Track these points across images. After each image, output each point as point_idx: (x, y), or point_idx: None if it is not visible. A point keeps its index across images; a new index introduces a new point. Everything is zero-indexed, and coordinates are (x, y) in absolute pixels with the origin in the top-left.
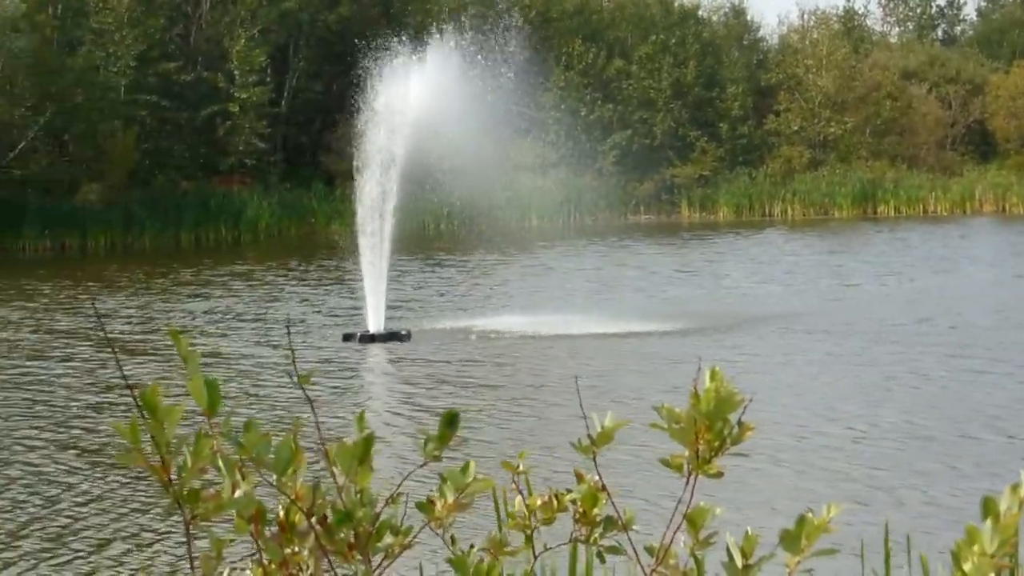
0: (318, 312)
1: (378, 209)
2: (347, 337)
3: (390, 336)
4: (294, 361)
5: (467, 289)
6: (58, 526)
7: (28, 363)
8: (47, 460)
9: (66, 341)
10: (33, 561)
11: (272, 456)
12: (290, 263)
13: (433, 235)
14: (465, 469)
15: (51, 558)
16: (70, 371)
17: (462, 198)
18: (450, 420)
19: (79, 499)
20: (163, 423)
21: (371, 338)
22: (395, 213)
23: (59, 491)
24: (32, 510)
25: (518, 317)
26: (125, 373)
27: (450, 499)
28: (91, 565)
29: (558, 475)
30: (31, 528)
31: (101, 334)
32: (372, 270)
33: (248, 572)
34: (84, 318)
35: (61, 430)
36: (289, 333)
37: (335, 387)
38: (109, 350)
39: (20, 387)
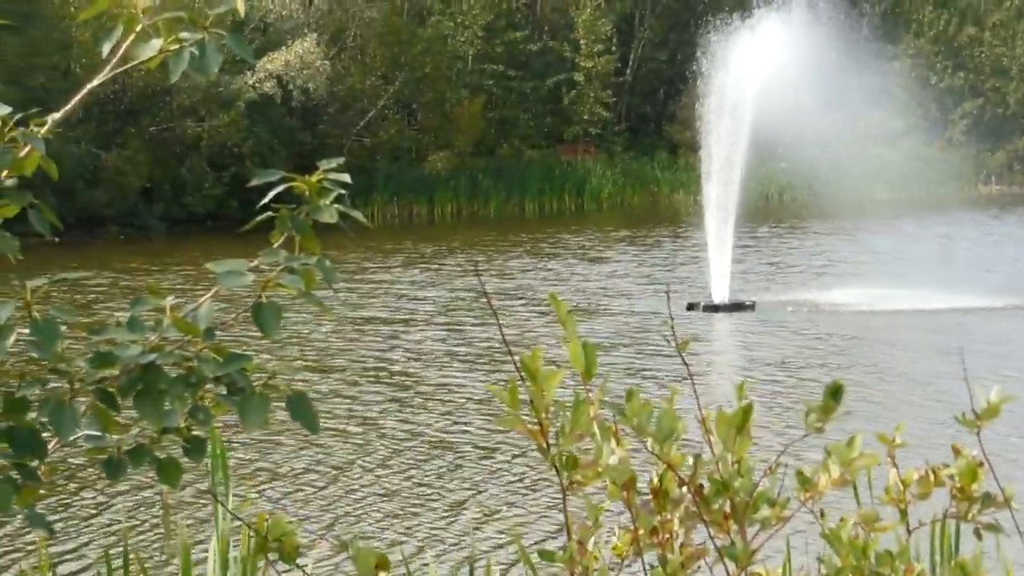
0: (662, 280)
1: (723, 179)
2: (691, 306)
3: (735, 306)
4: (673, 328)
5: (812, 260)
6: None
7: (451, 321)
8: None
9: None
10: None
11: (654, 426)
12: (634, 232)
13: (777, 205)
14: (851, 443)
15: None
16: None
17: (808, 168)
18: (835, 391)
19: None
20: (542, 388)
21: (715, 308)
22: (740, 183)
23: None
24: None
25: (867, 290)
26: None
27: (835, 473)
28: (469, 523)
29: (927, 449)
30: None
31: (489, 294)
32: (717, 240)
33: (614, 537)
34: (491, 279)
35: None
36: (668, 300)
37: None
38: (518, 310)
39: (453, 343)
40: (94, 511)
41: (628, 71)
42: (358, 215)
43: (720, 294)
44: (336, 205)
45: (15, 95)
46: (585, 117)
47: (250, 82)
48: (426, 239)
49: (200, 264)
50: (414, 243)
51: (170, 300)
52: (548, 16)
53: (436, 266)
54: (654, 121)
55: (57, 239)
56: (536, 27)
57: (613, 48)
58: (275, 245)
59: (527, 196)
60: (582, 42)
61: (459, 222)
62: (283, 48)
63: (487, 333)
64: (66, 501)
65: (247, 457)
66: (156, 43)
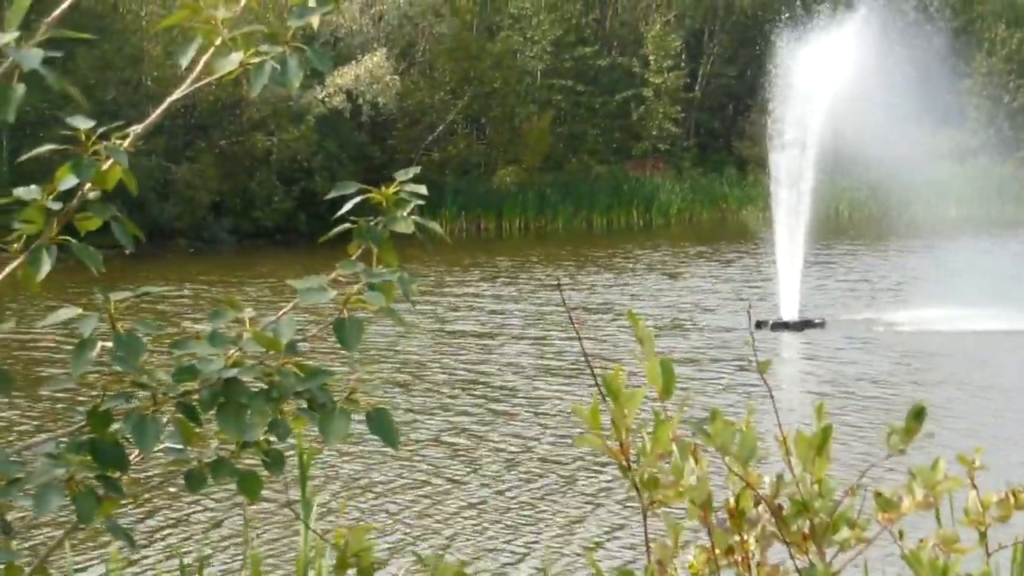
0: (728, 298)
1: (793, 195)
2: (760, 324)
3: (804, 324)
4: (754, 348)
5: (884, 278)
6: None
7: (539, 334)
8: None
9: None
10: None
11: (736, 446)
12: (707, 248)
13: (848, 222)
14: (935, 466)
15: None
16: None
17: (878, 185)
18: (917, 413)
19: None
20: (623, 408)
21: (784, 325)
22: (810, 199)
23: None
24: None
25: (940, 309)
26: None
27: (919, 496)
28: (549, 538)
29: (1007, 471)
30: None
31: (571, 309)
32: (786, 257)
33: (691, 556)
34: (572, 293)
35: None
36: (750, 319)
37: (755, 374)
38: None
39: (542, 356)
40: (174, 522)
41: (697, 87)
42: (435, 226)
43: (789, 312)
44: (412, 217)
45: (87, 109)
46: (654, 133)
47: (320, 96)
48: (499, 253)
49: (272, 278)
50: (488, 257)
51: (250, 313)
52: (617, 31)
53: (516, 280)
54: (723, 137)
55: (128, 251)
56: (605, 42)
57: (682, 64)
58: (352, 257)
59: (595, 211)
60: (651, 58)
61: (527, 236)
62: (353, 63)
63: (575, 346)
64: (147, 511)
65: (336, 469)
66: (236, 56)
